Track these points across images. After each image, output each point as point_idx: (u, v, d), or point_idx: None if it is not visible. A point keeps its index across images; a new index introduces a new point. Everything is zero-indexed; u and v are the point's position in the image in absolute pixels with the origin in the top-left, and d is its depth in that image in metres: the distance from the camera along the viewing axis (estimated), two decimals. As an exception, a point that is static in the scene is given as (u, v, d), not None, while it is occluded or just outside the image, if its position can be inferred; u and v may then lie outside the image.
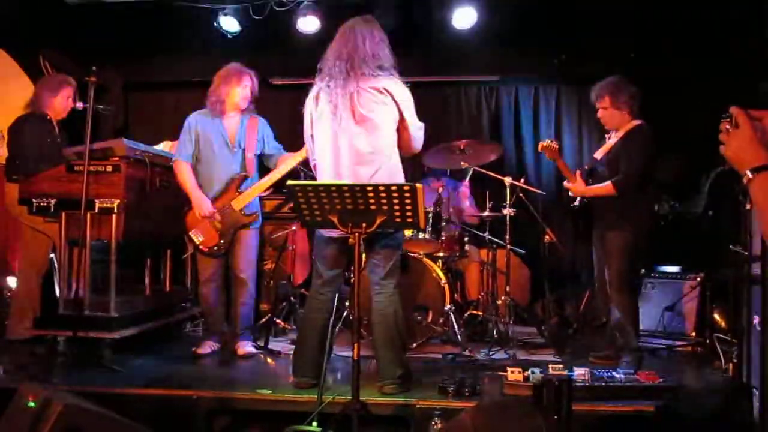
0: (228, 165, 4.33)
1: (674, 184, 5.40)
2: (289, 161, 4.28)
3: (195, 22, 5.83)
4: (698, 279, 5.05)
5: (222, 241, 4.27)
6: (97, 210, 4.09)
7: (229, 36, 5.88)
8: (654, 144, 4.12)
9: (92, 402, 2.69)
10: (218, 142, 4.31)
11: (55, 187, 4.19)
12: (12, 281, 4.84)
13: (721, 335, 4.43)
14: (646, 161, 4.10)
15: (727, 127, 1.67)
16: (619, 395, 3.25)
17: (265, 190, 4.39)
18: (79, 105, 4.49)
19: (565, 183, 4.39)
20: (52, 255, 4.62)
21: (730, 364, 3.88)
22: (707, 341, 4.61)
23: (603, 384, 3.32)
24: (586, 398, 3.15)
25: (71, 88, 4.71)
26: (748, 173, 1.61)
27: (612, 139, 4.31)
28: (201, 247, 4.28)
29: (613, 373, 3.45)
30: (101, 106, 4.36)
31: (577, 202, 4.38)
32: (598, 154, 4.38)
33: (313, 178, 3.74)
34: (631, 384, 3.33)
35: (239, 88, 4.30)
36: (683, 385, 3.48)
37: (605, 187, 4.15)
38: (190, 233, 4.28)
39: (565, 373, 3.32)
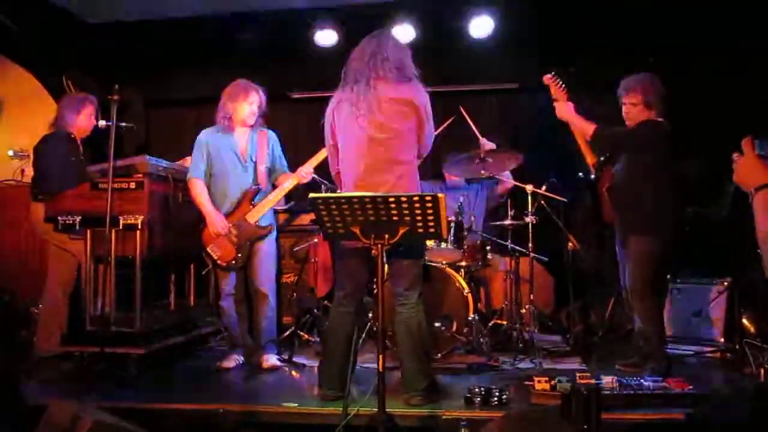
0: (241, 179, 4.36)
1: (698, 186, 5.33)
2: (290, 180, 4.39)
3: (214, 38, 5.89)
4: (725, 283, 4.95)
5: (239, 255, 4.30)
6: (121, 226, 4.16)
7: (249, 51, 5.92)
8: (657, 137, 4.03)
9: (120, 417, 2.72)
10: (230, 157, 4.35)
11: (80, 204, 4.26)
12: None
13: (751, 340, 4.36)
14: (635, 140, 4.07)
15: (735, 157, 2.01)
16: (649, 403, 3.21)
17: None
18: (102, 123, 4.54)
19: (555, 103, 4.40)
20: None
21: (761, 370, 3.82)
22: (737, 347, 4.53)
23: (631, 392, 3.27)
24: (614, 407, 3.11)
25: (93, 106, 4.75)
26: (752, 191, 1.94)
27: None
28: (219, 262, 4.32)
29: (641, 380, 3.40)
30: (124, 124, 4.41)
31: (592, 176, 4.36)
32: None
33: (334, 191, 3.75)
34: (660, 391, 3.28)
35: (246, 104, 4.34)
36: (714, 392, 3.42)
37: (588, 124, 4.22)
38: (207, 249, 4.31)
39: (593, 381, 3.28)
